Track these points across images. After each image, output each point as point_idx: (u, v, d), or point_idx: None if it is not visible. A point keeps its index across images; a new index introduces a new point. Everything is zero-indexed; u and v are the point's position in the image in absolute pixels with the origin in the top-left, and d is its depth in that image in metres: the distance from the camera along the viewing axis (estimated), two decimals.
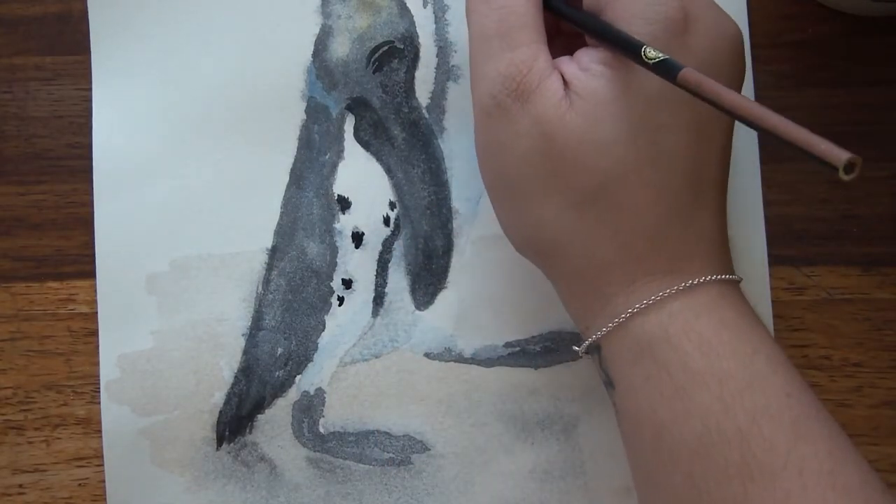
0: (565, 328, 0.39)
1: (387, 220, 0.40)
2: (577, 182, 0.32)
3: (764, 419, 0.29)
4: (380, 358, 0.40)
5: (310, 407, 0.40)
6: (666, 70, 0.29)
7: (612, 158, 0.31)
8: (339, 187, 0.40)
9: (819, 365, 0.40)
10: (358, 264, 0.40)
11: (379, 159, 0.40)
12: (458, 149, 0.40)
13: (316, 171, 0.40)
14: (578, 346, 0.34)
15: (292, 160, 0.40)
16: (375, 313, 0.40)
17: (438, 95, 0.40)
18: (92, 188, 0.40)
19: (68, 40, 0.41)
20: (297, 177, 0.40)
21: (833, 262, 0.40)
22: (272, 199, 0.40)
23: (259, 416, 0.40)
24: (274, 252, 0.40)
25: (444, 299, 0.40)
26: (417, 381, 0.40)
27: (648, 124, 0.31)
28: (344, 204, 0.40)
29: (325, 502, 0.39)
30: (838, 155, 0.24)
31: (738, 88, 0.33)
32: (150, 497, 0.39)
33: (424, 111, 0.40)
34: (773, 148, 0.40)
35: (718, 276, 0.32)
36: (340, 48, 0.40)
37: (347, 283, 0.40)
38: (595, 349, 0.33)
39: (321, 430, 0.40)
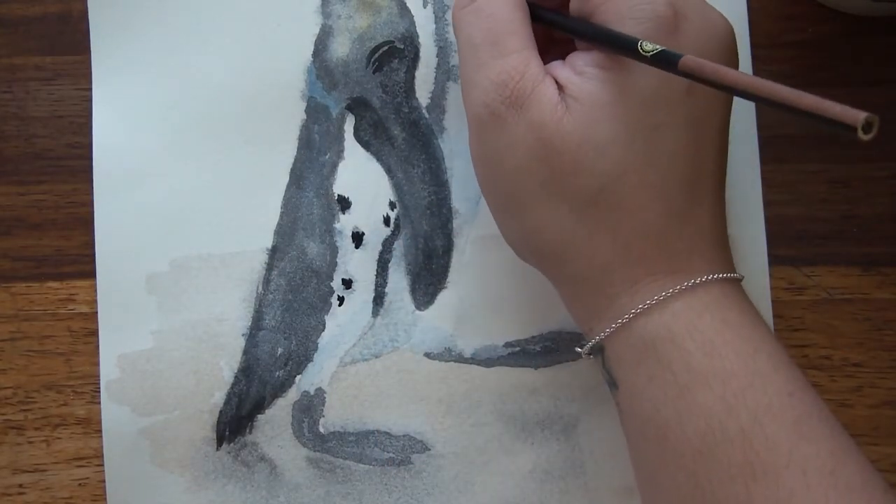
0: (565, 328, 0.39)
1: (387, 220, 0.40)
2: (577, 186, 0.32)
3: (766, 418, 0.29)
4: (380, 358, 0.40)
5: (310, 407, 0.40)
6: (665, 61, 0.29)
7: (610, 160, 0.31)
8: (339, 187, 0.40)
9: (819, 365, 0.40)
10: (358, 264, 0.40)
11: (379, 159, 0.40)
12: (458, 149, 0.40)
13: (316, 171, 0.40)
14: (581, 347, 0.34)
15: (292, 160, 0.40)
16: (375, 313, 0.40)
17: (438, 95, 0.40)
18: (92, 188, 0.40)
19: (68, 40, 0.41)
20: (297, 177, 0.40)
21: (833, 262, 0.40)
22: (272, 199, 0.40)
23: (259, 416, 0.40)
24: (274, 252, 0.40)
25: (444, 299, 0.40)
26: (417, 381, 0.40)
27: (645, 124, 0.31)
28: (344, 204, 0.40)
29: (325, 502, 0.39)
30: (855, 115, 0.24)
31: None
32: (150, 497, 0.39)
33: (424, 111, 0.40)
34: (773, 148, 0.40)
35: (720, 275, 0.32)
36: (340, 48, 0.40)
37: (347, 283, 0.40)
38: (598, 350, 0.33)
39: (321, 430, 0.40)
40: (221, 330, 0.40)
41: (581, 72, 0.32)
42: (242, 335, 0.40)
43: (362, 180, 0.40)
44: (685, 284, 0.31)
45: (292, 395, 0.40)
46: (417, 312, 0.40)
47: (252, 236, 0.40)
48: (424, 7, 0.40)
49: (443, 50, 0.40)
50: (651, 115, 0.31)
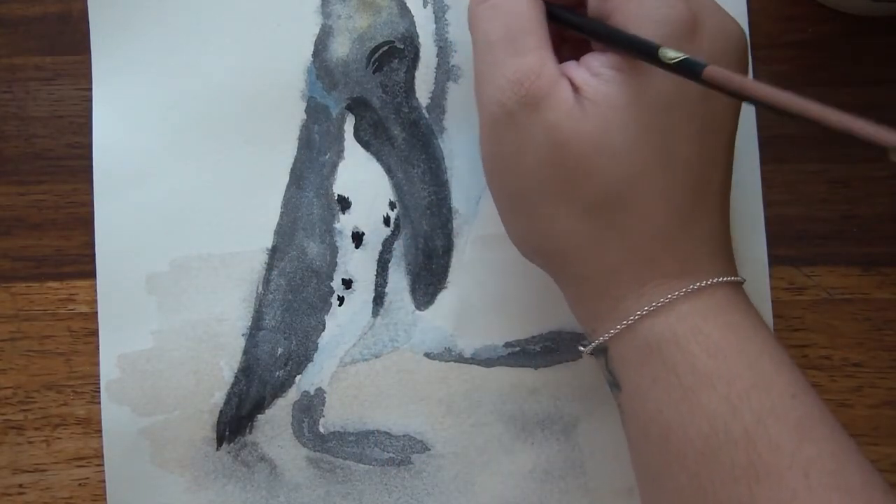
0: (565, 328, 0.39)
1: (387, 220, 0.40)
2: (590, 189, 0.31)
3: (770, 420, 0.29)
4: (380, 358, 0.40)
5: (310, 407, 0.40)
6: (688, 69, 0.29)
7: (624, 163, 0.31)
8: (339, 187, 0.40)
9: (819, 365, 0.40)
10: (358, 264, 0.40)
11: (379, 159, 0.40)
12: (458, 149, 0.40)
13: (316, 171, 0.40)
14: (584, 347, 0.34)
15: (292, 160, 0.40)
16: (375, 313, 0.40)
17: (438, 95, 0.40)
18: (92, 188, 0.40)
19: (68, 40, 0.41)
20: (297, 177, 0.40)
21: (833, 262, 0.40)
22: (272, 199, 0.40)
23: (259, 416, 0.40)
24: (274, 252, 0.40)
25: (444, 299, 0.40)
26: (417, 381, 0.40)
27: (660, 128, 0.31)
28: (344, 204, 0.40)
29: (325, 502, 0.39)
30: (886, 137, 0.24)
31: None
32: (150, 497, 0.39)
33: (424, 111, 0.40)
34: (773, 148, 0.40)
35: (725, 278, 0.32)
36: (340, 48, 0.40)
37: (347, 283, 0.40)
38: (601, 351, 0.33)
39: (321, 429, 0.40)
40: (221, 330, 0.40)
41: (597, 73, 0.32)
42: (242, 335, 0.40)
43: (362, 180, 0.40)
44: (691, 287, 0.31)
45: (292, 395, 0.40)
46: (417, 312, 0.40)
47: (252, 236, 0.40)
48: (424, 7, 0.40)
49: (443, 50, 0.40)
50: (666, 120, 0.31)
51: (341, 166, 0.40)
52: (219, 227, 0.40)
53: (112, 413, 0.39)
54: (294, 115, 0.40)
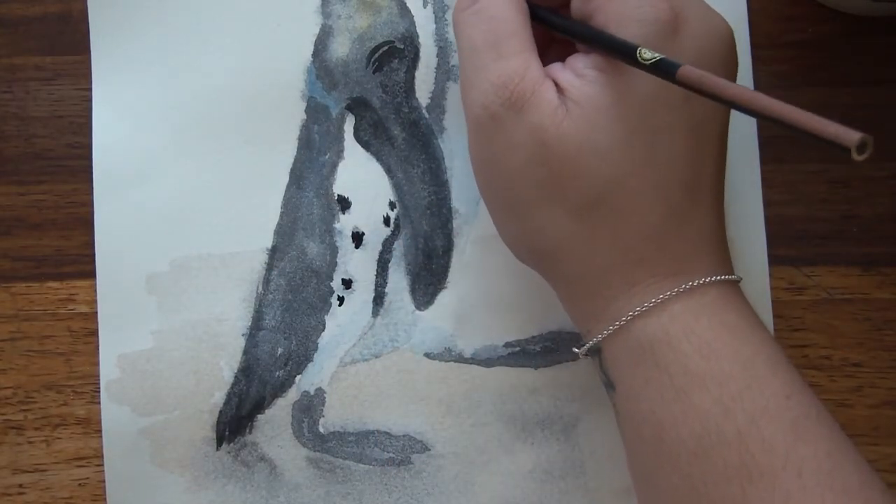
0: (565, 328, 0.39)
1: (387, 220, 0.40)
2: (577, 189, 0.31)
3: (763, 421, 0.29)
4: (380, 358, 0.40)
5: (310, 407, 0.40)
6: (664, 69, 0.29)
7: (610, 164, 0.31)
8: (339, 187, 0.40)
9: (819, 365, 0.40)
10: (358, 264, 0.40)
11: (379, 159, 0.40)
12: (458, 149, 0.40)
13: (316, 171, 0.40)
14: (579, 348, 0.34)
15: (292, 160, 0.40)
16: (375, 313, 0.40)
17: (438, 95, 0.40)
18: (92, 188, 0.40)
19: (68, 40, 0.41)
20: (297, 177, 0.40)
21: (833, 262, 0.40)
22: (272, 199, 0.40)
23: (259, 416, 0.40)
24: (274, 252, 0.40)
25: (444, 299, 0.40)
26: (417, 381, 0.40)
27: (646, 127, 0.31)
28: (344, 204, 0.40)
29: (325, 502, 0.39)
30: (849, 136, 0.24)
31: None
32: (150, 497, 0.39)
33: (424, 111, 0.40)
34: (773, 148, 0.40)
35: (718, 277, 0.32)
36: (340, 48, 0.40)
37: (347, 283, 0.40)
38: (596, 351, 0.33)
39: (321, 430, 0.40)
40: (221, 330, 0.40)
41: (581, 74, 0.32)
42: (242, 335, 0.40)
43: (362, 180, 0.40)
44: (683, 287, 0.31)
45: (292, 395, 0.40)
46: (417, 312, 0.40)
47: (252, 236, 0.40)
48: (424, 7, 0.40)
49: (443, 50, 0.40)
50: (651, 119, 0.31)
51: (341, 166, 0.40)
52: (219, 227, 0.40)
53: (112, 413, 0.39)
54: (294, 115, 0.40)
